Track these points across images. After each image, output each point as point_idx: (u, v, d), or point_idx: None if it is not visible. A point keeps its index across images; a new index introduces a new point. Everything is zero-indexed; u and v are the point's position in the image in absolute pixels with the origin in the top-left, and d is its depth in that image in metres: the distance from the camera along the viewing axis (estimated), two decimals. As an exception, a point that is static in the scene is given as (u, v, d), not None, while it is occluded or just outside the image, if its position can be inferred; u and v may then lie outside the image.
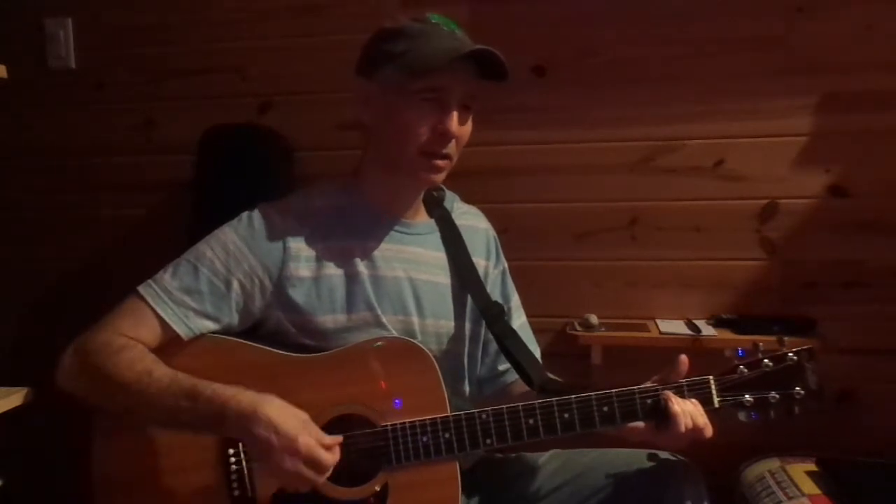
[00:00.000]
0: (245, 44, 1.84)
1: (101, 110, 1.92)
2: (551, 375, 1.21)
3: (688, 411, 1.05)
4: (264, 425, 0.97)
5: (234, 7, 1.84)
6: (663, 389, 1.07)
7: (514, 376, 1.27)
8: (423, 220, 1.25)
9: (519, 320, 1.34)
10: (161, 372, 1.04)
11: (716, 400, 1.08)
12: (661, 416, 1.05)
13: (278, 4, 1.82)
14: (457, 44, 1.10)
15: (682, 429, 1.03)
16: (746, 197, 1.67)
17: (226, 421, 0.99)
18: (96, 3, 1.89)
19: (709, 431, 1.05)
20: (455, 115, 1.10)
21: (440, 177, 1.16)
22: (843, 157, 1.63)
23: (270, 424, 0.97)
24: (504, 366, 1.29)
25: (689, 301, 1.71)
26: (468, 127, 1.15)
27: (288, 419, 0.99)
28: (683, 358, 1.10)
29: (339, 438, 1.03)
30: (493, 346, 1.27)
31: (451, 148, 1.13)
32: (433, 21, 1.13)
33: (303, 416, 1.01)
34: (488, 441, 1.07)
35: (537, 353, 1.30)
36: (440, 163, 1.13)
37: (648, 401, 1.07)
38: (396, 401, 1.08)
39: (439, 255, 1.24)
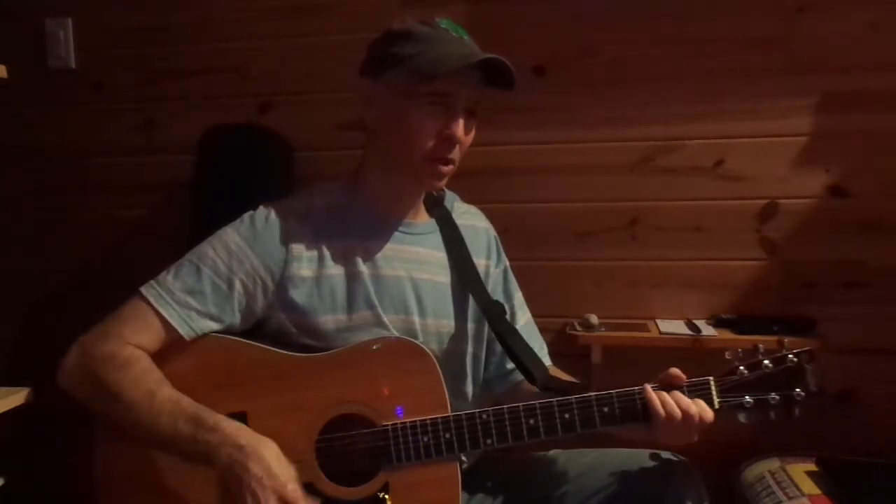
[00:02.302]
0: (245, 44, 1.84)
1: (101, 110, 1.92)
2: (554, 374, 1.21)
3: (666, 400, 1.04)
4: (259, 463, 0.99)
5: (234, 7, 1.84)
6: (658, 389, 1.07)
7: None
8: (423, 219, 1.25)
9: (524, 318, 1.34)
10: (165, 394, 1.04)
11: (716, 401, 1.08)
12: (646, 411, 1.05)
13: (278, 4, 1.82)
14: (466, 50, 1.10)
15: (663, 414, 1.03)
16: (746, 197, 1.67)
17: (222, 452, 1.00)
18: (96, 3, 1.89)
19: (707, 416, 1.04)
20: (461, 120, 1.11)
21: (443, 182, 1.16)
22: (843, 157, 1.63)
23: (265, 463, 0.99)
24: (512, 364, 1.28)
25: (689, 301, 1.71)
26: (472, 133, 1.15)
27: (283, 466, 1.01)
28: (676, 371, 1.09)
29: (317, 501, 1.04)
30: (500, 346, 1.27)
31: (456, 153, 1.13)
32: (442, 26, 1.13)
33: (294, 471, 1.02)
34: (489, 441, 1.07)
35: (544, 349, 1.30)
36: (444, 168, 1.13)
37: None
38: (397, 401, 1.08)
39: (440, 255, 1.24)
